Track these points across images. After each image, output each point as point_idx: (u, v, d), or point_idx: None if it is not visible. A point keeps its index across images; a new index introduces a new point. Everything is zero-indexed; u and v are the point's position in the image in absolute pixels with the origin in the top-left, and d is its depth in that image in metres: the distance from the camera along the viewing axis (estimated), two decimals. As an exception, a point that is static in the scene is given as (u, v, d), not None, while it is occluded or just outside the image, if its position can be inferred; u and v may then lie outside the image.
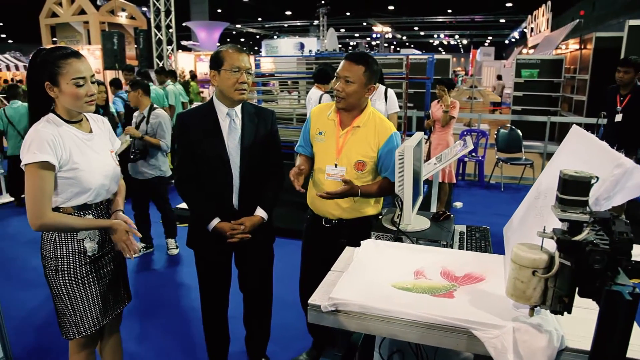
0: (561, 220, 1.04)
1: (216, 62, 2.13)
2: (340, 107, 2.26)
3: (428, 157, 4.97)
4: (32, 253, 4.38)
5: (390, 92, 4.54)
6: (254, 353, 2.70)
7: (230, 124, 2.21)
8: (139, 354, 2.90)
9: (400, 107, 5.16)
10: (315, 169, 2.37)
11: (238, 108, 2.23)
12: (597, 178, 1.02)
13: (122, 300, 2.16)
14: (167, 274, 3.94)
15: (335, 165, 2.26)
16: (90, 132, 1.95)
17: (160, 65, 11.65)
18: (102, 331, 2.17)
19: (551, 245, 1.04)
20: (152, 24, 12.07)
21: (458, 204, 5.98)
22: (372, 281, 1.37)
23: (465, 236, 2.20)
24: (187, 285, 3.80)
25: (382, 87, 4.49)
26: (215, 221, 2.21)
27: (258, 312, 2.60)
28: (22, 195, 6.01)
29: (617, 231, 0.95)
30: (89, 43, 14.22)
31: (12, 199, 6.28)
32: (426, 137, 5.39)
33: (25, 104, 5.77)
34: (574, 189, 1.02)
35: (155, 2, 11.89)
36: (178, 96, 7.68)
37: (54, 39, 15.44)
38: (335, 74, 2.23)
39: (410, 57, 6.64)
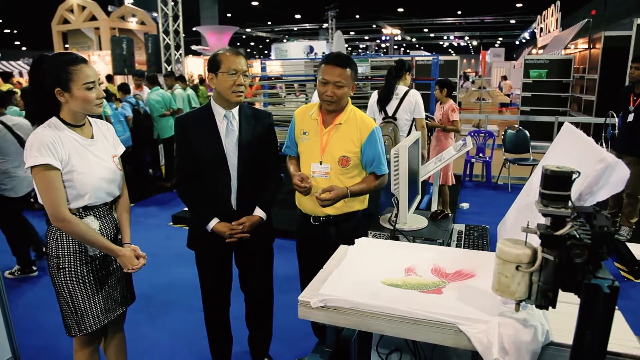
0: (544, 215, 1.05)
1: (213, 65, 2.16)
2: (332, 110, 2.27)
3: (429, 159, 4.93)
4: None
5: (415, 93, 4.25)
6: (257, 353, 2.72)
7: (228, 126, 2.24)
8: (143, 354, 2.93)
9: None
10: (301, 168, 2.40)
11: (235, 110, 2.26)
12: (579, 173, 1.02)
13: (126, 301, 2.19)
14: (170, 274, 3.96)
15: (320, 163, 2.29)
16: (92, 137, 2.00)
17: (169, 69, 11.75)
18: (106, 329, 2.21)
19: (536, 241, 1.05)
20: (160, 29, 12.20)
21: (465, 205, 5.96)
22: (362, 278, 1.38)
23: (463, 235, 2.21)
24: (190, 285, 3.82)
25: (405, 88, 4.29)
26: (214, 222, 2.24)
27: (259, 312, 2.62)
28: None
29: (597, 225, 0.96)
30: (100, 49, 14.42)
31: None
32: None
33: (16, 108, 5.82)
34: (555, 184, 1.02)
35: (163, 7, 12.00)
36: (186, 100, 7.74)
37: (66, 45, 15.68)
38: (321, 80, 2.20)
39: (416, 58, 6.63)
